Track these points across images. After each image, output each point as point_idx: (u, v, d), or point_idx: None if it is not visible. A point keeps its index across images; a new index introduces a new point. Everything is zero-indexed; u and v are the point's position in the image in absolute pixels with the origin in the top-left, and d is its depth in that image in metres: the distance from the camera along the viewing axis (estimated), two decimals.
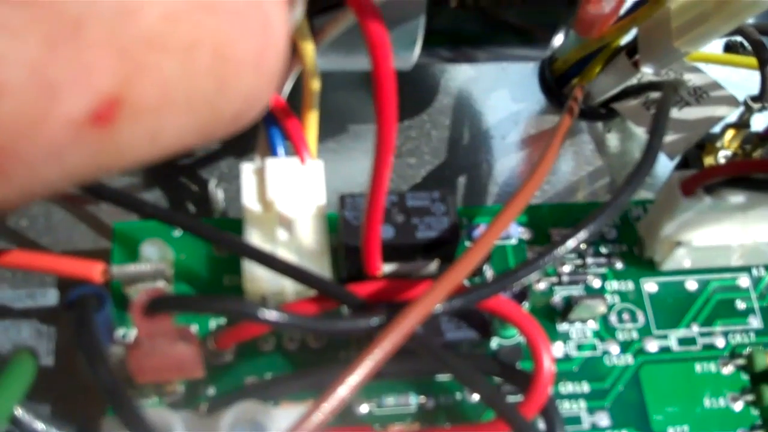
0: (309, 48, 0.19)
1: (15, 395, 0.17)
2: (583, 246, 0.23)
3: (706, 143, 0.25)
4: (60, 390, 0.21)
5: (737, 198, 0.20)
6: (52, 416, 0.21)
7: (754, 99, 0.24)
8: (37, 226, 0.24)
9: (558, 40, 0.23)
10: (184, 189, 0.25)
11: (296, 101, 0.21)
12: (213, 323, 0.21)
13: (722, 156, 0.25)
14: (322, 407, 0.16)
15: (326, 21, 0.19)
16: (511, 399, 0.20)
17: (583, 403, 0.21)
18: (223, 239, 0.19)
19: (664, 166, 0.26)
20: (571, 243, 0.18)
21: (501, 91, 0.28)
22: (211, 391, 0.20)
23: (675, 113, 0.25)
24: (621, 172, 0.27)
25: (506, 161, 0.27)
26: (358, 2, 0.15)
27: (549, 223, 0.23)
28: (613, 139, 0.28)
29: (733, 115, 0.25)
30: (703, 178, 0.20)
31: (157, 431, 0.15)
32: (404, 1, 0.20)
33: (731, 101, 0.25)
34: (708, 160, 0.25)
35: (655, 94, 0.25)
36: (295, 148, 0.21)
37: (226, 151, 0.25)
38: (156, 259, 0.21)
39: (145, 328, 0.17)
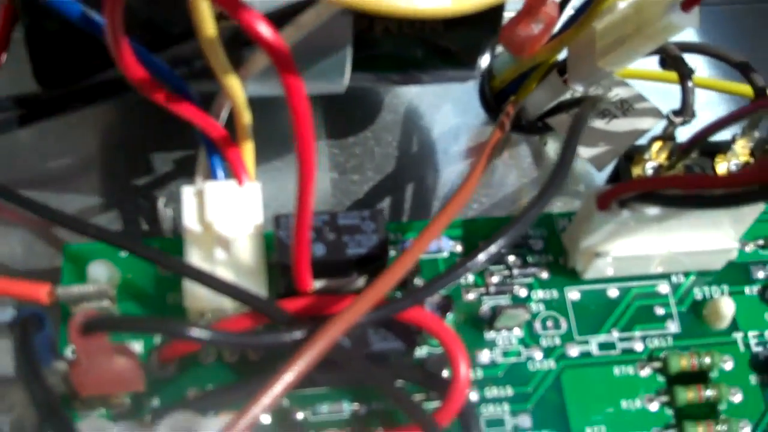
0: (235, 84, 0.20)
1: None
2: (512, 258, 0.24)
3: (635, 154, 0.26)
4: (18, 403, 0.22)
5: (652, 211, 0.22)
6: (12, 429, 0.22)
7: (676, 113, 0.25)
8: None
9: (484, 61, 0.24)
10: (138, 208, 0.26)
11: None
12: (157, 339, 0.22)
13: (650, 167, 0.26)
14: (246, 415, 0.17)
15: (251, 53, 0.21)
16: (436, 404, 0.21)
17: (507, 407, 0.22)
18: (162, 260, 0.21)
19: (600, 177, 0.28)
20: (481, 257, 0.20)
21: (444, 108, 0.29)
22: (156, 402, 0.21)
23: (603, 126, 0.26)
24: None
25: (448, 174, 0.28)
26: (269, 43, 0.16)
27: (481, 236, 0.24)
28: (550, 151, 0.29)
29: (659, 127, 0.26)
30: (617, 193, 0.22)
31: None
32: (330, 31, 0.21)
33: (656, 113, 0.26)
34: (636, 171, 0.26)
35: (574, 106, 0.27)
36: (234, 171, 0.22)
37: (176, 172, 0.27)
38: (104, 279, 0.22)
39: (82, 346, 0.18)
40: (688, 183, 0.21)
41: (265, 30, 0.16)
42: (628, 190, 0.21)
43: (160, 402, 0.21)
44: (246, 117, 0.22)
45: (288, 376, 0.18)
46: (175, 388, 0.21)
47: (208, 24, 0.19)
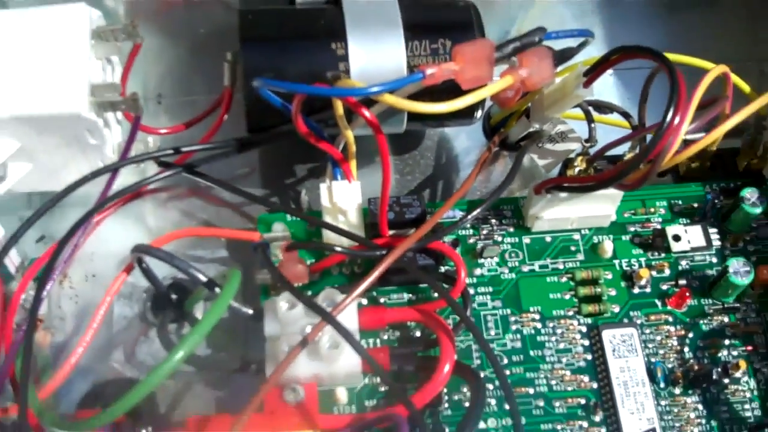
0: (348, 132, 0.41)
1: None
2: (494, 220, 0.44)
3: (568, 163, 0.46)
4: None
5: (562, 194, 0.42)
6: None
7: (587, 140, 0.45)
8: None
9: (478, 115, 0.44)
10: (290, 197, 0.47)
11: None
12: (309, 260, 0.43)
13: (577, 170, 0.46)
14: (359, 288, 0.38)
15: (357, 117, 0.41)
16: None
17: (488, 297, 0.42)
18: (312, 220, 0.42)
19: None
20: (473, 214, 0.40)
21: (461, 137, 0.50)
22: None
23: (551, 147, 0.46)
24: (527, 179, 0.48)
25: (464, 175, 0.49)
26: (366, 117, 0.37)
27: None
28: (526, 161, 0.49)
29: (579, 147, 0.46)
30: (542, 185, 0.42)
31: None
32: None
33: (579, 140, 0.46)
34: (569, 173, 0.46)
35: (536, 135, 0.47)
36: (346, 175, 0.43)
37: (311, 176, 0.48)
38: (281, 230, 0.43)
39: (286, 256, 0.39)
40: (574, 180, 0.41)
41: (366, 113, 0.37)
42: (547, 183, 0.42)
43: (313, 291, 0.42)
44: (352, 147, 0.42)
45: (377, 272, 0.38)
46: (320, 285, 0.42)
47: (338, 106, 0.40)
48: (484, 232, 0.44)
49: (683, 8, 0.51)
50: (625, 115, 0.46)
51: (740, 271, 0.41)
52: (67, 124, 0.39)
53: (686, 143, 0.41)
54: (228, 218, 0.47)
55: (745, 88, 0.43)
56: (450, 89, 0.37)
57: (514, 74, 0.38)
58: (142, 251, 0.39)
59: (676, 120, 0.36)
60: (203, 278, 0.39)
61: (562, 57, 0.41)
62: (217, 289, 0.39)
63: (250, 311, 0.40)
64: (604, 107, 0.46)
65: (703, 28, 0.52)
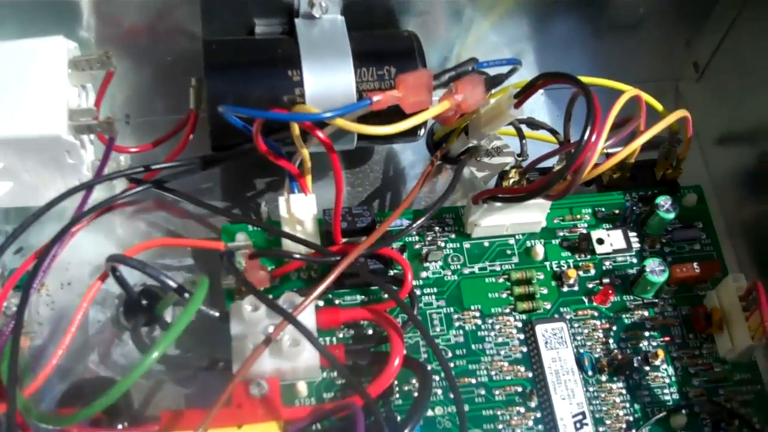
0: (304, 150, 0.45)
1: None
2: (437, 228, 0.49)
3: (503, 174, 0.51)
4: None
5: (498, 204, 0.47)
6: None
7: (518, 155, 0.50)
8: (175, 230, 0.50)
9: (422, 133, 0.49)
10: (251, 208, 0.51)
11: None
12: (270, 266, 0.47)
13: (511, 181, 0.51)
14: (315, 291, 0.42)
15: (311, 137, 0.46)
16: None
17: (433, 297, 0.47)
18: (272, 230, 0.46)
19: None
20: (419, 222, 0.45)
21: (407, 151, 0.54)
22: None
23: (488, 161, 0.51)
24: (467, 189, 0.53)
25: (410, 187, 0.53)
26: (320, 138, 0.41)
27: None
28: (465, 172, 0.54)
29: (513, 161, 0.51)
30: (479, 196, 0.46)
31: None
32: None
33: (512, 154, 0.51)
34: (504, 184, 0.51)
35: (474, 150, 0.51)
36: (302, 189, 0.47)
37: (270, 190, 0.52)
38: (243, 239, 0.47)
39: (249, 264, 0.43)
40: (507, 191, 0.46)
41: (320, 134, 0.42)
42: (484, 194, 0.46)
43: (274, 295, 0.46)
44: (308, 164, 0.47)
45: (333, 276, 0.42)
46: (281, 289, 0.46)
47: (295, 128, 0.44)
48: (429, 238, 0.49)
49: (606, 33, 0.56)
50: (553, 131, 0.51)
51: (656, 270, 0.46)
52: (48, 146, 0.43)
53: (608, 156, 0.46)
54: (193, 229, 0.51)
55: (658, 106, 0.48)
56: (395, 112, 0.41)
57: (450, 99, 0.42)
58: (116, 261, 0.43)
59: (593, 137, 0.41)
60: (174, 284, 0.43)
61: (493, 82, 0.45)
62: (187, 295, 0.43)
63: (217, 314, 0.44)
64: (534, 124, 0.51)
65: (624, 50, 0.57)
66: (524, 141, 0.50)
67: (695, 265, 0.47)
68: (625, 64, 0.57)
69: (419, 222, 0.46)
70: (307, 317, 0.43)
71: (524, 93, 0.46)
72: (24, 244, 0.49)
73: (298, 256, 0.44)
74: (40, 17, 0.47)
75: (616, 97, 0.44)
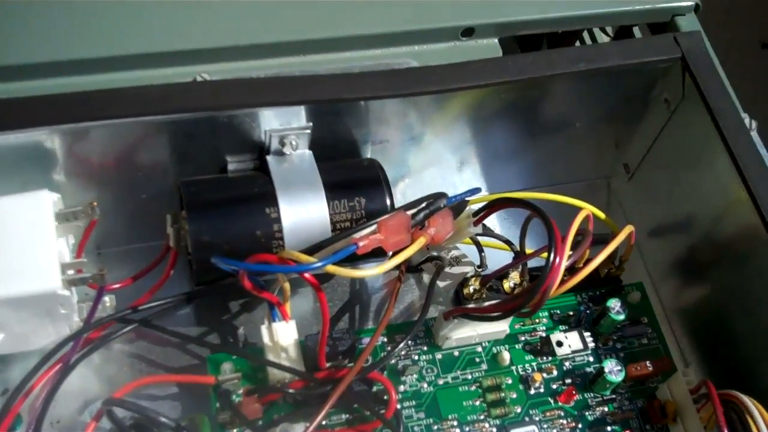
0: (286, 284, 0.48)
1: None
2: (410, 341, 0.52)
3: (464, 282, 0.55)
4: None
5: (465, 319, 0.50)
6: None
7: (478, 266, 0.54)
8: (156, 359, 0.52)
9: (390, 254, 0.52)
10: (228, 332, 0.54)
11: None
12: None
13: (471, 288, 0.54)
14: (317, 419, 0.45)
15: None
16: None
17: (413, 409, 0.50)
18: (256, 359, 0.48)
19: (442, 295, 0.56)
20: (399, 347, 0.48)
21: None
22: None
23: (447, 270, 0.55)
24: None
25: (376, 298, 0.56)
26: (307, 279, 0.44)
27: (398, 332, 0.53)
28: (425, 278, 0.58)
29: (472, 270, 0.55)
30: (450, 313, 0.50)
31: None
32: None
33: (472, 264, 0.55)
34: (465, 291, 0.54)
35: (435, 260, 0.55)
36: (283, 316, 0.50)
37: (242, 311, 0.54)
38: (229, 369, 0.49)
39: (245, 400, 0.45)
40: (481, 311, 0.49)
41: (308, 276, 0.44)
42: (455, 312, 0.50)
43: (264, 421, 0.48)
44: (287, 293, 0.49)
45: (327, 406, 0.45)
46: (269, 414, 0.49)
47: (283, 278, 0.47)
48: (403, 352, 0.52)
49: (539, 136, 0.60)
50: (507, 242, 0.55)
51: (614, 370, 0.50)
52: (42, 301, 0.45)
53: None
54: (175, 357, 0.53)
55: (601, 215, 0.52)
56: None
57: (425, 234, 0.46)
58: (113, 404, 0.45)
59: (557, 260, 0.45)
60: (173, 425, 0.45)
61: (458, 210, 0.49)
62: None
63: None
64: (489, 234, 0.55)
65: (556, 151, 0.61)
66: (483, 254, 0.54)
67: (648, 363, 0.52)
68: (559, 163, 0.62)
69: (402, 344, 0.49)
70: None
71: (482, 213, 0.50)
72: (8, 385, 0.50)
73: (292, 391, 0.46)
74: (16, 164, 0.48)
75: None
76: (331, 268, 0.43)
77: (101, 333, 0.50)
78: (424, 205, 0.47)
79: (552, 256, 0.45)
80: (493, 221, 0.60)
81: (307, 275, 0.45)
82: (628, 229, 0.51)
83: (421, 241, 0.46)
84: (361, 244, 0.44)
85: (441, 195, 0.48)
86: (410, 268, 0.56)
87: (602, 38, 0.63)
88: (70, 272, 0.45)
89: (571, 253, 0.46)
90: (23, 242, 0.45)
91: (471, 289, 0.54)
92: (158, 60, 0.49)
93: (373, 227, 0.45)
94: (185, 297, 0.50)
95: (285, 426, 0.46)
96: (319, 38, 0.52)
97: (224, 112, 0.48)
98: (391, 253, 0.50)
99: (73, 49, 0.48)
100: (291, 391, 0.46)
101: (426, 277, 0.58)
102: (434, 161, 0.59)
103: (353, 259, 0.46)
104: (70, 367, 0.47)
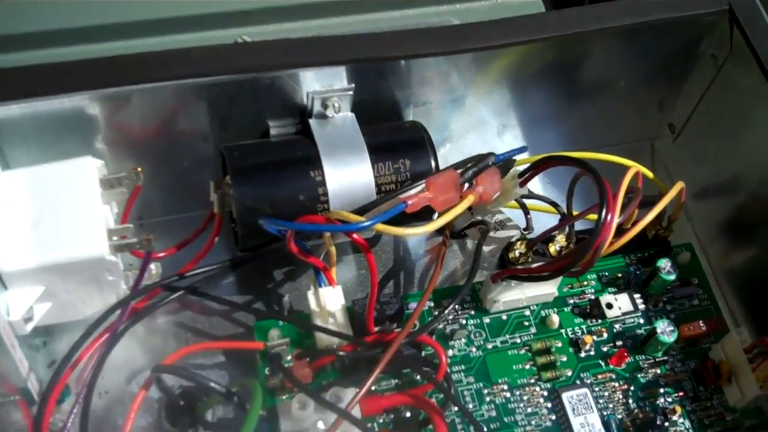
0: (333, 250, 0.47)
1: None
2: (457, 306, 0.51)
3: (509, 246, 0.54)
4: None
5: (513, 281, 0.49)
6: None
7: (525, 229, 0.53)
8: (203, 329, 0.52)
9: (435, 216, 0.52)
10: (273, 300, 0.53)
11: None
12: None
13: (517, 252, 0.53)
14: (363, 388, 0.44)
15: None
16: None
17: (462, 374, 0.49)
18: (306, 324, 0.48)
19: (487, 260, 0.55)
20: (448, 310, 0.48)
21: None
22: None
23: (492, 234, 0.54)
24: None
25: (420, 264, 0.56)
26: (356, 239, 0.44)
27: (444, 297, 0.52)
28: (468, 244, 0.57)
29: (518, 234, 0.54)
30: (498, 275, 0.49)
31: None
32: None
33: (517, 228, 0.54)
34: (510, 255, 0.54)
35: (480, 225, 0.54)
36: (329, 281, 0.49)
37: (286, 280, 0.54)
38: (276, 336, 0.48)
39: (296, 363, 0.45)
40: (530, 271, 0.48)
41: (357, 237, 0.44)
42: (503, 273, 0.49)
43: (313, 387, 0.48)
44: (334, 258, 0.49)
45: (379, 368, 0.44)
46: (318, 380, 0.48)
47: (327, 238, 0.46)
48: (450, 317, 0.51)
49: (580, 98, 0.59)
50: (553, 203, 0.54)
51: (666, 331, 0.49)
52: (89, 267, 0.44)
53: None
54: (220, 326, 0.52)
55: (649, 174, 0.51)
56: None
57: (474, 193, 0.46)
58: (162, 371, 0.45)
59: (609, 217, 0.44)
60: (223, 390, 0.44)
61: (505, 169, 0.48)
62: (236, 399, 0.45)
63: None
64: (534, 197, 0.54)
65: (598, 114, 0.60)
66: (529, 216, 0.53)
67: (701, 323, 0.51)
68: (601, 126, 0.61)
69: (450, 308, 0.48)
70: (353, 407, 0.45)
71: (530, 173, 0.49)
72: (57, 357, 0.50)
73: (342, 353, 0.46)
74: (58, 133, 0.47)
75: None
76: (380, 227, 0.42)
77: (147, 303, 0.49)
78: (472, 164, 0.46)
79: (603, 212, 0.44)
80: (535, 185, 0.59)
81: (355, 236, 0.45)
82: (679, 185, 0.50)
83: (470, 199, 0.45)
84: (410, 202, 0.43)
85: (489, 154, 0.47)
86: (453, 233, 0.56)
87: None
88: (115, 238, 0.45)
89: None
90: (69, 208, 0.44)
91: (516, 253, 0.53)
92: (199, 23, 0.49)
93: (422, 186, 0.45)
94: (230, 264, 0.50)
95: (336, 390, 0.45)
96: None
97: (266, 73, 0.47)
98: (437, 215, 0.49)
99: (115, 13, 0.48)
100: (342, 353, 0.46)
101: (470, 243, 0.57)
102: (476, 125, 0.58)
103: (397, 223, 0.45)
104: (119, 335, 0.46)
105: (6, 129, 0.46)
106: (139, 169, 0.46)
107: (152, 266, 0.49)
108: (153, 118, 0.49)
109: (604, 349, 0.51)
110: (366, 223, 0.42)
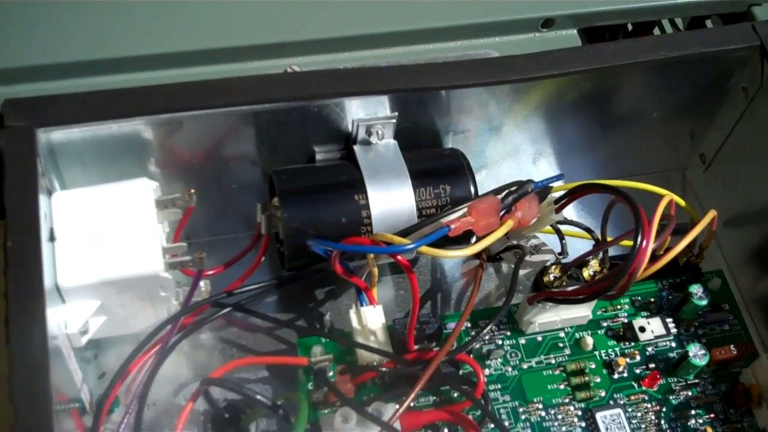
0: (374, 269, 0.49)
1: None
2: (494, 327, 0.53)
3: (544, 270, 0.55)
4: None
5: (549, 304, 0.51)
6: None
7: (559, 254, 0.55)
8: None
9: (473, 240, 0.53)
10: (315, 318, 0.55)
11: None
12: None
13: (551, 276, 0.55)
14: (405, 404, 0.46)
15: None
16: None
17: (498, 392, 0.51)
18: (345, 341, 0.50)
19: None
20: (486, 331, 0.49)
21: None
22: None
23: (528, 258, 0.56)
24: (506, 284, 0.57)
25: (456, 287, 0.57)
26: (400, 261, 0.46)
27: (480, 318, 0.54)
28: (503, 268, 0.59)
29: (552, 258, 0.56)
30: (535, 297, 0.51)
31: None
32: None
33: (551, 252, 0.56)
34: (545, 279, 0.55)
35: (515, 249, 0.56)
36: (370, 300, 0.51)
37: (327, 299, 0.56)
38: (319, 352, 0.50)
39: (340, 378, 0.47)
40: (566, 294, 0.50)
41: (401, 258, 0.46)
42: (540, 296, 0.51)
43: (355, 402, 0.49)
44: (375, 278, 0.51)
45: (420, 385, 0.46)
46: (359, 396, 0.50)
47: (371, 259, 0.48)
48: (486, 337, 0.53)
49: (614, 127, 0.61)
50: (588, 230, 0.56)
51: (698, 354, 0.51)
52: (144, 283, 0.46)
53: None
54: (264, 342, 0.54)
55: (681, 202, 0.53)
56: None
57: (513, 218, 0.47)
58: (211, 383, 0.47)
59: (644, 243, 0.46)
60: (268, 403, 0.46)
61: (542, 195, 0.50)
62: (281, 411, 0.46)
63: None
64: (569, 222, 0.56)
65: (632, 144, 0.62)
66: (564, 241, 0.55)
67: (732, 347, 0.52)
68: (633, 155, 0.63)
69: (488, 328, 0.50)
70: (395, 421, 0.46)
71: (566, 199, 0.51)
72: (106, 369, 0.52)
73: (384, 370, 0.47)
74: (114, 155, 0.50)
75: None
76: (424, 249, 0.44)
77: (195, 318, 0.51)
78: (511, 189, 0.48)
79: (639, 238, 0.46)
80: (569, 212, 0.61)
81: (399, 257, 0.46)
82: (711, 213, 0.52)
83: (509, 224, 0.47)
84: (453, 226, 0.45)
85: (528, 181, 0.49)
86: (490, 257, 0.57)
87: None
88: (169, 257, 0.47)
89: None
90: (126, 227, 0.46)
91: (551, 277, 0.54)
92: (251, 53, 0.51)
93: (464, 210, 0.46)
94: (276, 282, 0.52)
95: (377, 405, 0.47)
96: (403, 30, 0.54)
97: (314, 101, 0.49)
98: (474, 239, 0.51)
99: (173, 43, 0.50)
100: (384, 370, 0.47)
101: (505, 267, 0.59)
102: (511, 152, 0.60)
103: (436, 246, 0.47)
104: (169, 349, 0.48)
105: (66, 151, 0.48)
106: (192, 190, 0.48)
107: (201, 284, 0.51)
108: (204, 143, 0.51)
109: (637, 371, 0.53)
110: (411, 246, 0.44)
